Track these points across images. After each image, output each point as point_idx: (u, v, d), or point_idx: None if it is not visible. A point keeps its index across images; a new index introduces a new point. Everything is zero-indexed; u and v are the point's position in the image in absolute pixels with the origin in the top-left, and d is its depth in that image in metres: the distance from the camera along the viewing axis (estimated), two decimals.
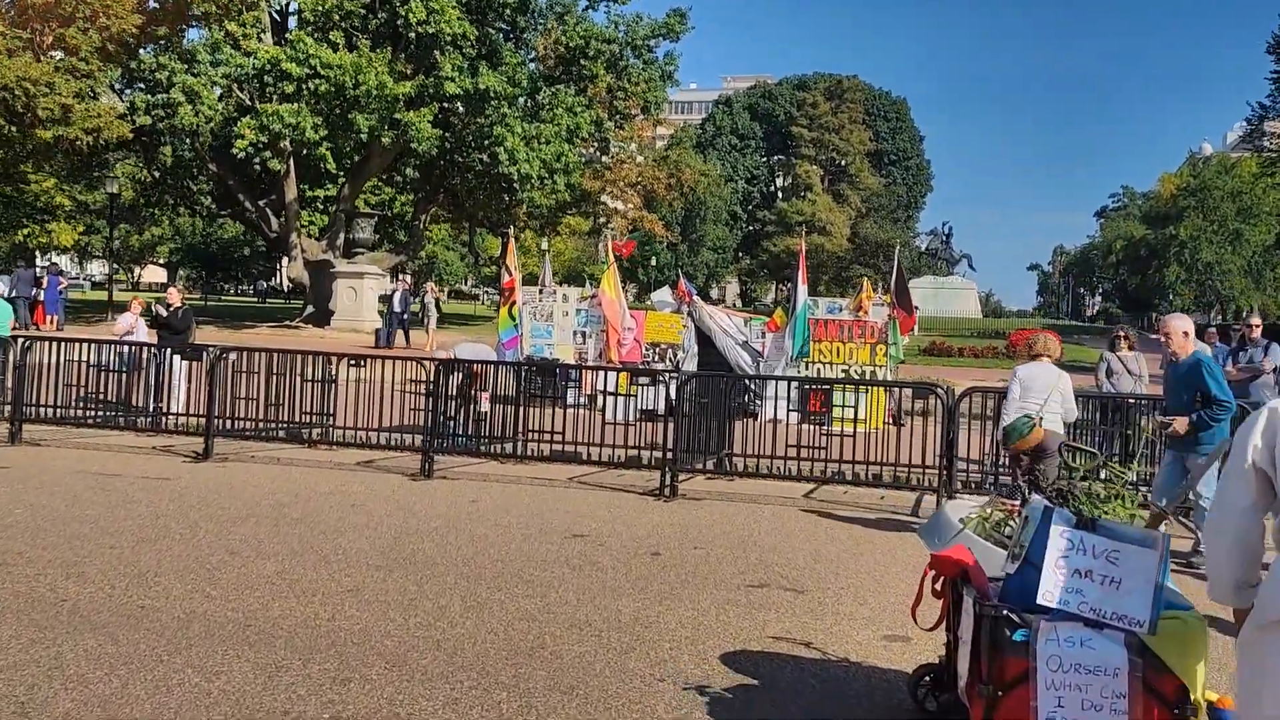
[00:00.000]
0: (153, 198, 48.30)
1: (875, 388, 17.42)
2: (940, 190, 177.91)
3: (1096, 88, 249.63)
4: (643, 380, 12.61)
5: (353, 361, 14.98)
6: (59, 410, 14.50)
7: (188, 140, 39.45)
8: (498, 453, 13.22)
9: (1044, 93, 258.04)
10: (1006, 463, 11.24)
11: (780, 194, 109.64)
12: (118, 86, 40.25)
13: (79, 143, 30.06)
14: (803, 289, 18.69)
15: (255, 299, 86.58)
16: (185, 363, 15.29)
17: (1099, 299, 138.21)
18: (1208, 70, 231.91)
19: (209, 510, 9.32)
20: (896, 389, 14.99)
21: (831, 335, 18.70)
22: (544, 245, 31.10)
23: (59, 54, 29.96)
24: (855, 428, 12.82)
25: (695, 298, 19.93)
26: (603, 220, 59.68)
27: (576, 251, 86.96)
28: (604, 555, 8.18)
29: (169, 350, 15.53)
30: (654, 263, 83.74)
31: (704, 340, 19.36)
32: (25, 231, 62.07)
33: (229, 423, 14.00)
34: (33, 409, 14.30)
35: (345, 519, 9.20)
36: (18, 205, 50.47)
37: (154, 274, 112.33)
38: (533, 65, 43.60)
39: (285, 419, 13.98)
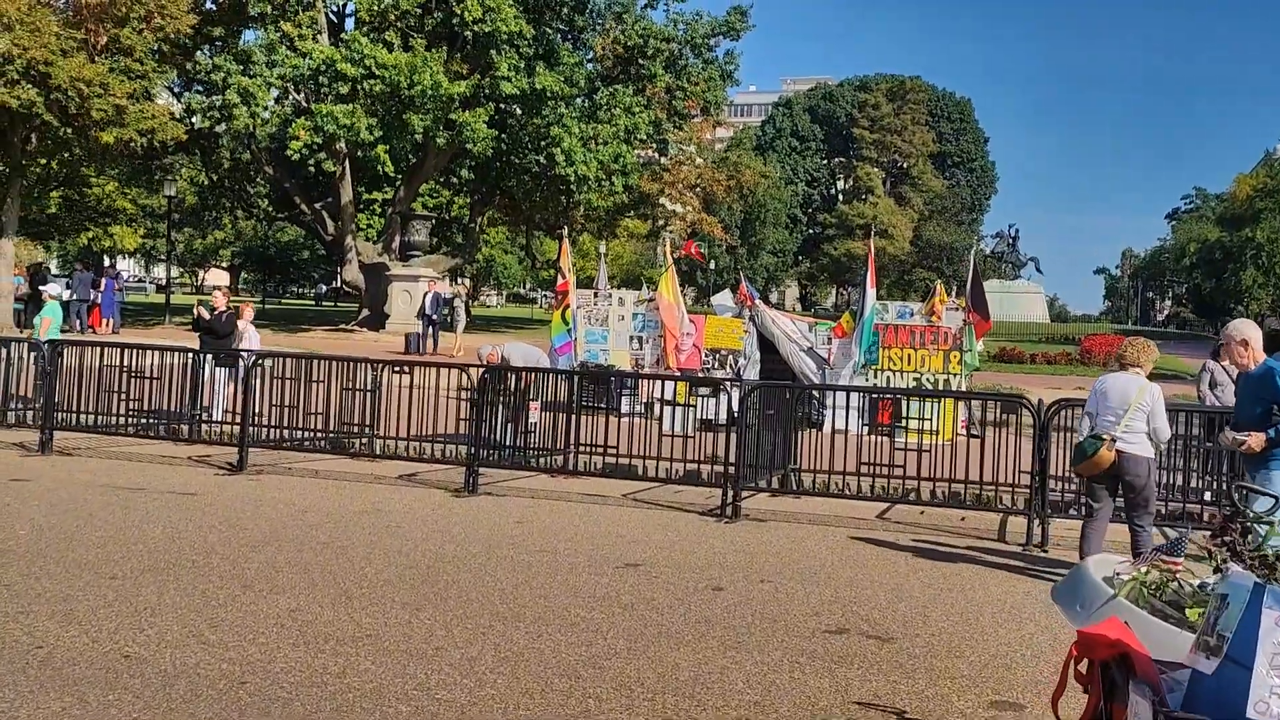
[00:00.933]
0: (210, 200, 48.32)
1: (941, 393, 16.37)
2: (1004, 192, 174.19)
3: (1166, 88, 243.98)
4: (703, 390, 11.68)
5: (396, 369, 14.25)
6: (96, 417, 13.93)
7: (245, 142, 39.28)
8: (547, 466, 12.39)
9: (1111, 93, 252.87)
10: (1083, 489, 10.13)
11: (841, 196, 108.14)
12: (176, 89, 40.17)
13: (133, 144, 29.76)
14: (871, 292, 17.67)
15: (313, 302, 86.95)
16: (226, 369, 14.63)
17: (1169, 303, 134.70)
18: None
19: (230, 532, 8.56)
20: (980, 401, 13.95)
21: (902, 341, 17.64)
22: (601, 248, 30.09)
23: (113, 55, 29.67)
24: (932, 440, 11.79)
25: (758, 301, 18.97)
26: (661, 223, 58.83)
27: (635, 255, 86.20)
28: (660, 590, 7.28)
29: (210, 355, 14.94)
30: (713, 266, 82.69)
31: (766, 346, 18.40)
32: (89, 235, 62.64)
33: (269, 432, 13.35)
34: (67, 415, 13.77)
35: (377, 543, 8.40)
36: (79, 208, 50.75)
37: (218, 277, 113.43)
38: (590, 65, 42.87)
39: (326, 428, 13.31)
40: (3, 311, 30.32)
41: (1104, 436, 7.85)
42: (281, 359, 13.33)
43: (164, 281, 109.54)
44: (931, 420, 14.47)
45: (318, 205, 42.17)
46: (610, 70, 42.75)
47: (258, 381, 12.70)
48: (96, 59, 28.99)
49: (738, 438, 10.80)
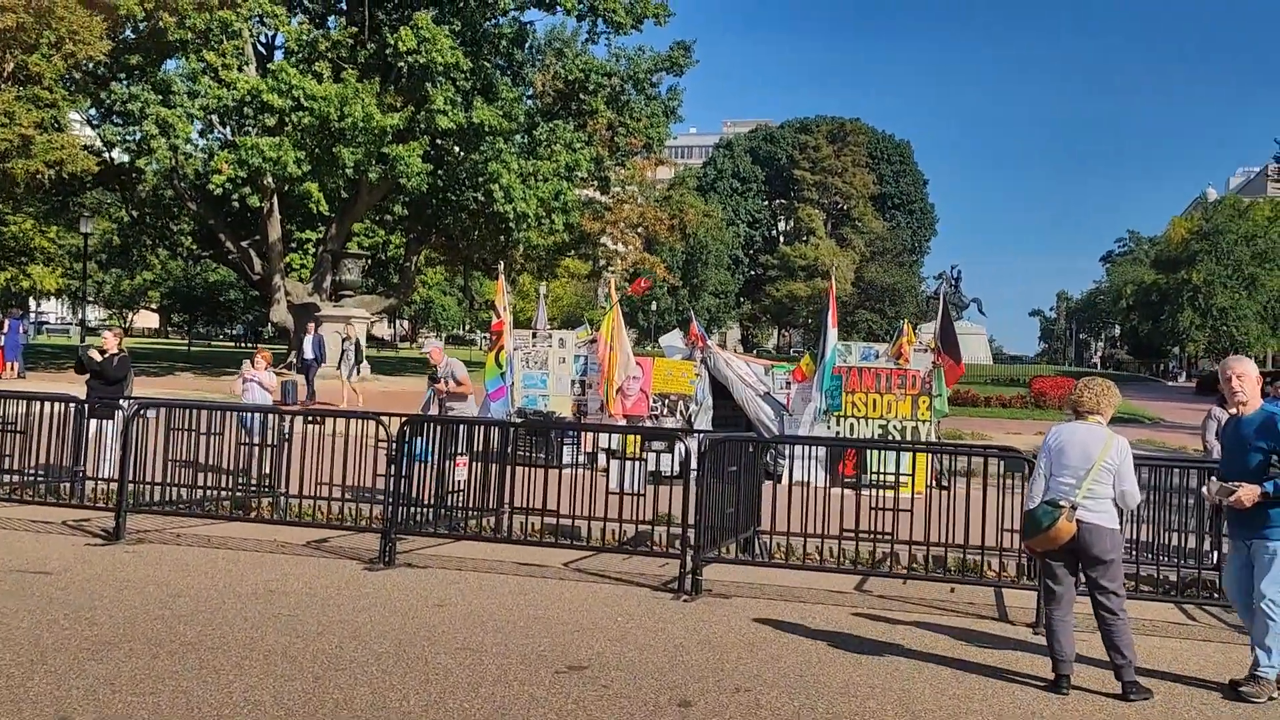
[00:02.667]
0: (131, 238, 46.11)
1: (921, 446, 15.08)
2: (943, 234, 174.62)
3: (1098, 133, 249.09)
4: (657, 445, 10.18)
5: (310, 419, 12.66)
6: None
7: (168, 177, 37.36)
8: (477, 530, 10.81)
9: (1045, 138, 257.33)
10: (1031, 563, 8.81)
11: (783, 238, 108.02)
12: (94, 120, 38.18)
13: (40, 176, 27.79)
14: (832, 332, 16.35)
15: (237, 344, 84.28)
16: (105, 420, 12.86)
17: (1102, 344, 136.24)
18: (1206, 117, 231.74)
19: (73, 628, 6.89)
20: (966, 453, 12.59)
21: (867, 385, 16.32)
22: (542, 289, 28.69)
23: (20, 84, 27.76)
24: (909, 495, 10.44)
25: (710, 342, 17.58)
26: (603, 263, 57.57)
27: (576, 296, 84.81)
28: (611, 708, 5.75)
29: (97, 404, 13.22)
30: (655, 307, 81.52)
31: (719, 391, 17.01)
32: (5, 275, 59.95)
33: (158, 491, 11.65)
34: None
35: (259, 642, 6.78)
36: None
37: (147, 319, 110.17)
38: (530, 102, 41.56)
39: (229, 485, 11.68)
40: None
41: (1061, 504, 6.39)
42: (176, 409, 11.63)
43: (94, 324, 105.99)
44: (902, 473, 13.18)
45: (244, 243, 40.25)
46: (550, 106, 41.51)
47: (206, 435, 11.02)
48: (1, 87, 27.09)
49: (696, 499, 9.33)
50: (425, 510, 10.79)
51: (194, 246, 46.14)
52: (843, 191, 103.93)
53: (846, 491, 10.95)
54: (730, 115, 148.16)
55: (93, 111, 36.03)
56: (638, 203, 55.86)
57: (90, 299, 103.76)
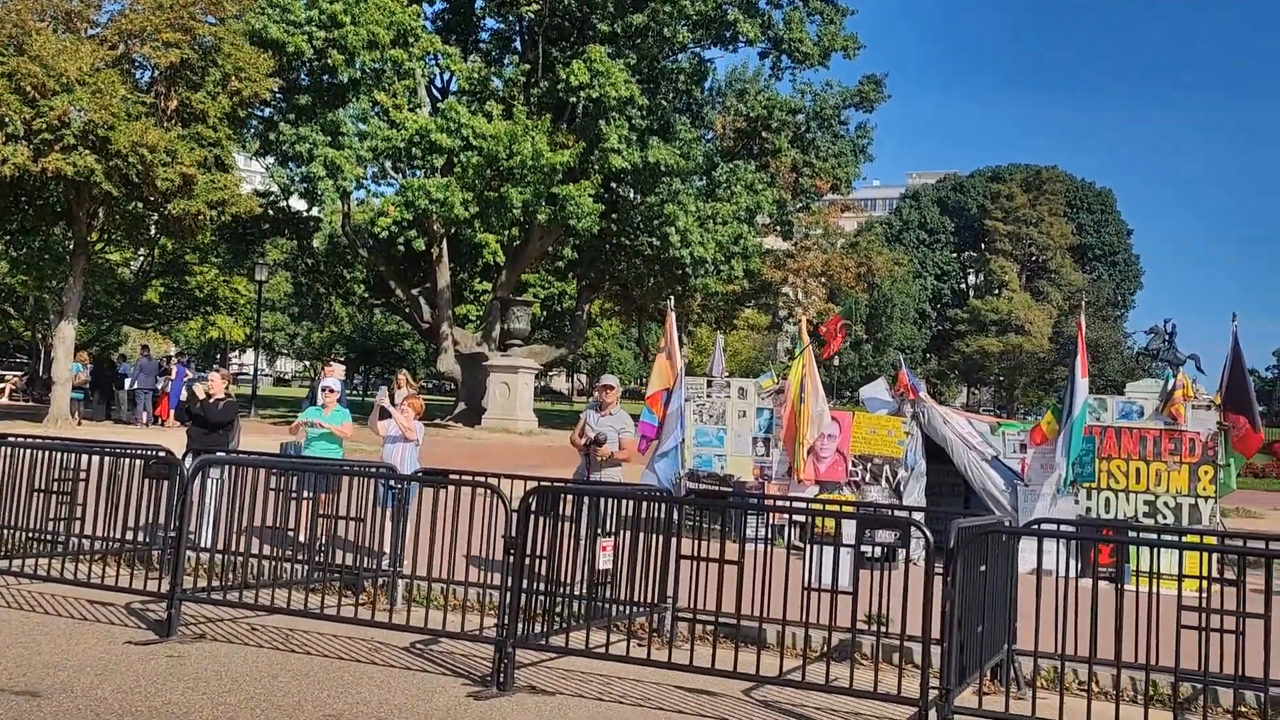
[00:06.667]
0: (305, 287, 45.79)
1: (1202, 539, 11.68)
2: (1149, 287, 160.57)
3: None
4: (883, 535, 7.15)
5: (434, 484, 10.23)
6: (31, 541, 10.22)
7: (341, 225, 36.57)
8: (626, 637, 8.03)
9: (1263, 186, 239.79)
10: None
11: (972, 291, 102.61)
12: (271, 168, 37.78)
13: (201, 217, 26.78)
14: (1082, 384, 13.03)
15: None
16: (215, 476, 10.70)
17: None
18: None
19: None
20: None
21: (1128, 450, 12.88)
22: (719, 340, 26.02)
23: (184, 122, 26.92)
24: (1188, 590, 7.17)
25: (923, 394, 14.45)
26: (784, 314, 54.58)
27: (754, 350, 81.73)
28: None
29: (193, 454, 11.16)
30: (837, 361, 77.72)
31: (934, 453, 13.88)
32: (192, 325, 61.28)
33: (247, 566, 9.42)
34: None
35: None
36: (179, 296, 49.15)
37: (337, 371, 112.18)
38: (709, 143, 39.22)
39: (324, 564, 9.38)
40: (60, 401, 27.40)
41: None
42: (256, 469, 9.32)
43: (287, 375, 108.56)
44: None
45: (414, 291, 39.00)
46: (731, 146, 39.08)
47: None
48: (165, 124, 26.25)
49: (942, 617, 6.36)
50: (565, 603, 8.13)
51: (366, 295, 45.45)
52: (1038, 242, 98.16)
53: (1108, 589, 7.84)
54: (913, 167, 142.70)
55: (270, 160, 35.47)
56: (823, 249, 52.72)
57: (283, 351, 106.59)
